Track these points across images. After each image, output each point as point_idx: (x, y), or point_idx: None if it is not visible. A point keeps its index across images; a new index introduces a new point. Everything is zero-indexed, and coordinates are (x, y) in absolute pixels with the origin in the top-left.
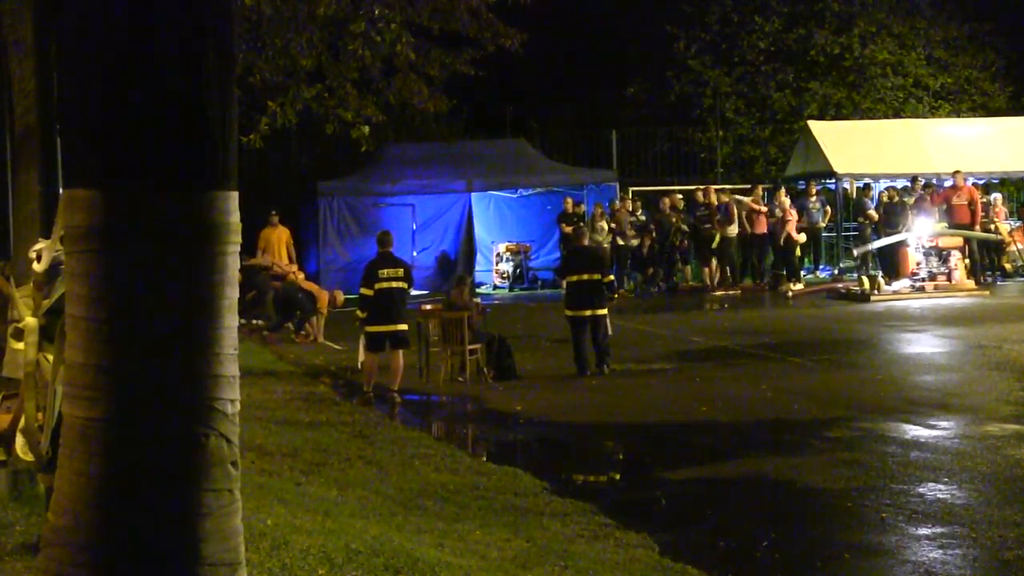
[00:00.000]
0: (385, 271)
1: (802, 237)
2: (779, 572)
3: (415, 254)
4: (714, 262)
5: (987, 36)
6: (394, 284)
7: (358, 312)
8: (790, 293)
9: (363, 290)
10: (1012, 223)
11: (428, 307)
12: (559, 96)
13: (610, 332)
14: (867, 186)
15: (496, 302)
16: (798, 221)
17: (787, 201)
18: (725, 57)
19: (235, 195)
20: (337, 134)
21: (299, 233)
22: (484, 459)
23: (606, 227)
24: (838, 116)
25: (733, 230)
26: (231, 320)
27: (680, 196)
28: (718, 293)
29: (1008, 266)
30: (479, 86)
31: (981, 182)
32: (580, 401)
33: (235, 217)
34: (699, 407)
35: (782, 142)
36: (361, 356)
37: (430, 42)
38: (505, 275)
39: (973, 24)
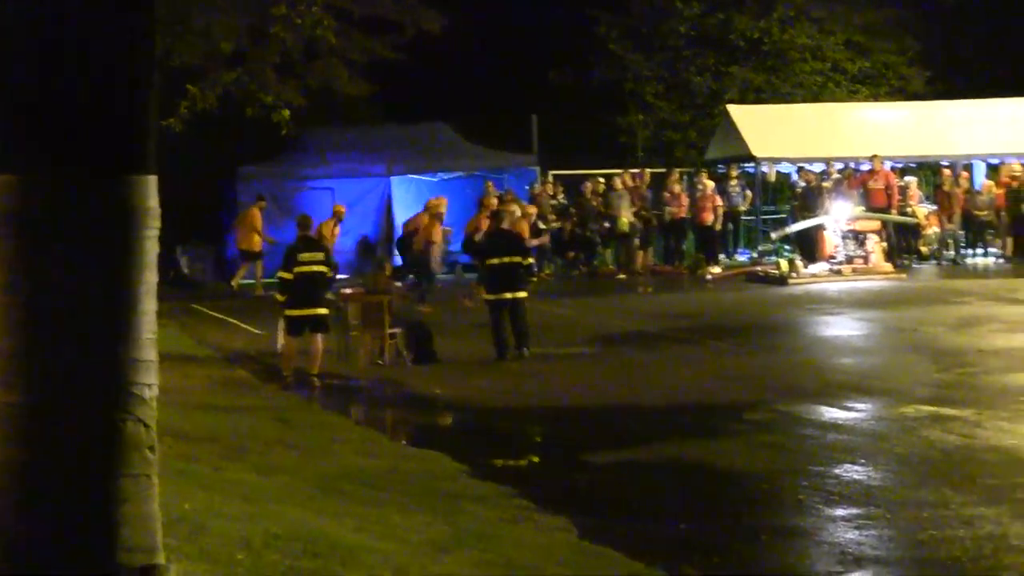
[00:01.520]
0: (305, 255)
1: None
2: (698, 554)
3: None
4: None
5: (905, 21)
6: (314, 268)
7: (277, 296)
8: (709, 277)
9: (282, 274)
10: (927, 207)
11: (348, 291)
12: (480, 80)
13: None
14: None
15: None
16: (718, 205)
17: (710, 185)
18: (646, 42)
19: (154, 180)
20: (258, 118)
21: (220, 217)
22: (404, 443)
23: (519, 212)
24: (758, 100)
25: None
26: (149, 305)
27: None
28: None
29: (924, 249)
30: (401, 70)
31: (898, 166)
32: (500, 385)
33: (154, 202)
34: (619, 390)
35: (702, 126)
36: (280, 340)
37: (351, 26)
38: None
39: (891, 9)
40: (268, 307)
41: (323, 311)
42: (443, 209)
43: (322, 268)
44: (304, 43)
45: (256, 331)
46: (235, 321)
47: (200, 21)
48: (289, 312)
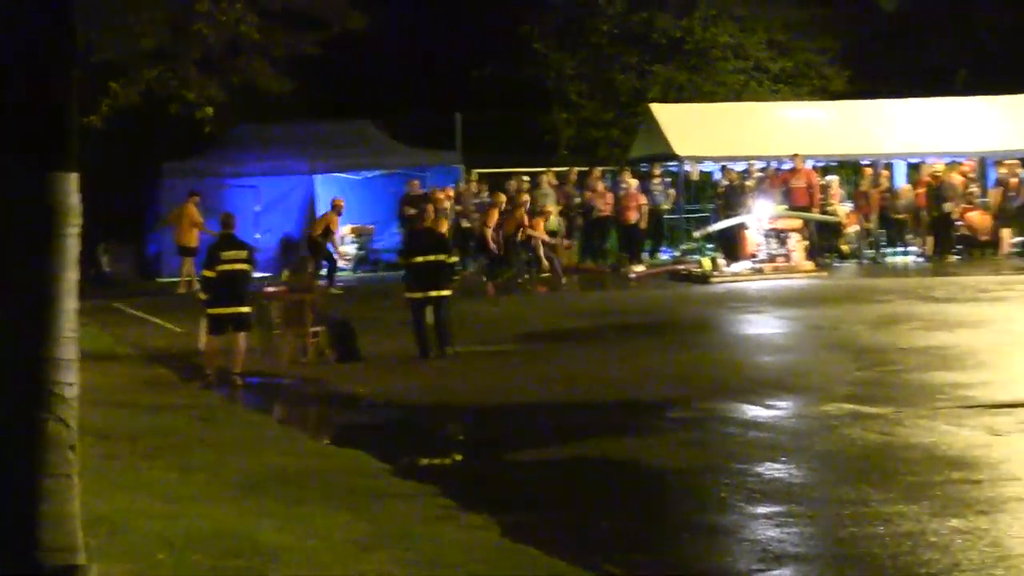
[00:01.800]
0: (227, 253)
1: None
2: (621, 552)
3: (258, 236)
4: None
5: (826, 20)
6: (236, 266)
7: (200, 294)
8: (632, 275)
9: (205, 272)
10: (848, 205)
11: (271, 289)
12: (405, 78)
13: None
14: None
15: (340, 284)
16: (641, 203)
17: (634, 183)
18: (570, 40)
19: (75, 177)
20: (181, 116)
21: (142, 215)
22: (327, 442)
23: (449, 208)
24: (680, 99)
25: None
26: (70, 303)
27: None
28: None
29: (845, 248)
30: (325, 67)
31: (820, 165)
32: (423, 383)
33: (75, 199)
34: (542, 388)
35: (626, 125)
36: (203, 338)
37: (275, 22)
38: (348, 257)
39: (812, 8)
40: (190, 306)
41: (246, 309)
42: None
43: (245, 266)
44: (227, 39)
45: (178, 330)
46: (157, 320)
47: (122, 17)
48: (211, 310)
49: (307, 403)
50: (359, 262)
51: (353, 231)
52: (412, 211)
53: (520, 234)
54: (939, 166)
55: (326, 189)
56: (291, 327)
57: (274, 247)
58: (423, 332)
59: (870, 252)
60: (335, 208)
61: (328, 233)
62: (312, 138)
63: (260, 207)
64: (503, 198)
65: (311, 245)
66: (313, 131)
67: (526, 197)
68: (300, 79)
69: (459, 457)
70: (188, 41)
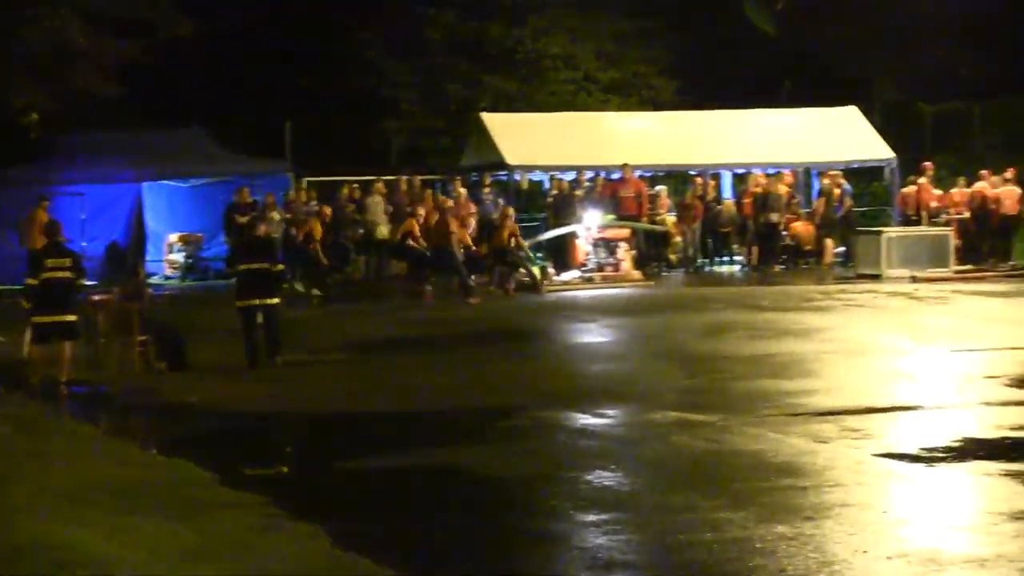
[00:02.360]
0: (51, 260)
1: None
2: (451, 560)
3: (84, 244)
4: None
5: (655, 31)
6: (60, 274)
7: (24, 303)
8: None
9: (28, 280)
10: (676, 215)
11: (98, 297)
12: (235, 86)
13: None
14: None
15: (168, 292)
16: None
17: (464, 192)
18: (401, 48)
19: None
20: (6, 122)
21: None
22: (155, 452)
23: (278, 217)
24: (511, 108)
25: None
26: None
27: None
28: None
29: (673, 257)
30: (156, 75)
31: (647, 175)
32: (253, 392)
33: None
34: (374, 397)
35: (457, 134)
36: (26, 347)
37: (103, 29)
38: (176, 265)
39: (641, 20)
40: (14, 314)
41: (72, 318)
42: None
43: (68, 274)
44: (53, 45)
45: (2, 339)
46: None
47: None
48: (36, 319)
49: (135, 412)
50: (187, 271)
51: (181, 239)
52: (242, 219)
53: (513, 242)
54: (763, 178)
55: (154, 197)
56: (119, 335)
57: (101, 255)
58: (253, 341)
59: (697, 262)
60: None
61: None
62: (140, 145)
63: (86, 215)
64: (328, 209)
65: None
66: (142, 138)
67: (511, 210)
68: (131, 86)
69: (289, 467)
70: (11, 47)
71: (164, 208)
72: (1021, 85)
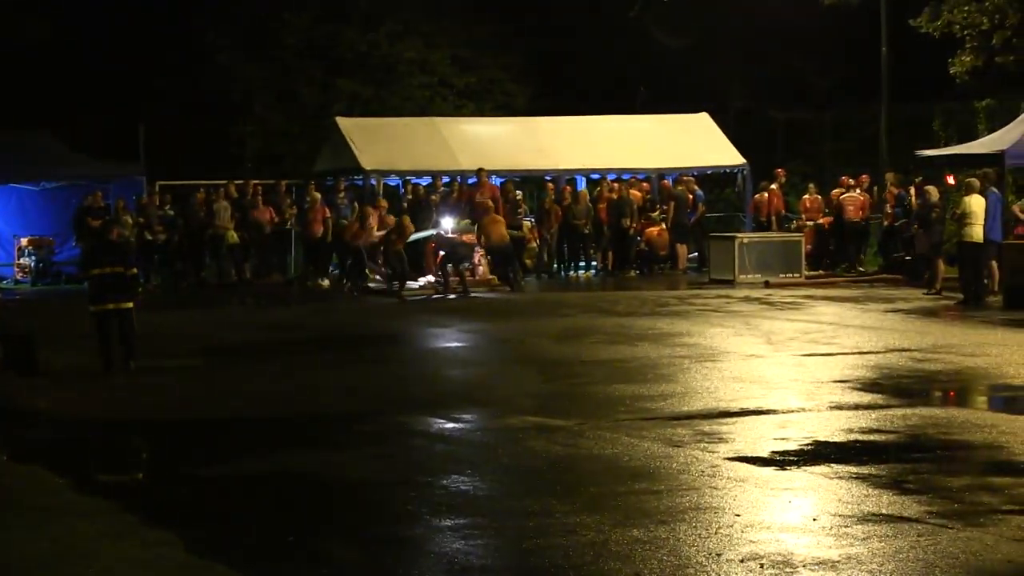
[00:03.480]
0: None
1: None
2: (304, 567)
3: None
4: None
5: (510, 37)
6: None
7: None
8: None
9: None
10: (531, 220)
11: None
12: (88, 88)
13: (136, 328)
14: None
15: (18, 297)
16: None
17: (318, 197)
18: (255, 52)
19: None
20: None
21: None
22: (4, 458)
23: (130, 221)
24: (366, 113)
25: None
26: None
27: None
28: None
29: (529, 262)
30: (4, 77)
31: (502, 181)
32: (106, 398)
33: None
34: (228, 402)
35: (312, 138)
36: None
37: None
38: (28, 269)
39: (496, 25)
40: None
41: None
42: None
43: None
44: None
45: None
46: None
47: None
48: None
49: None
50: (39, 275)
51: (31, 243)
52: (95, 222)
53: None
54: (616, 184)
55: (2, 200)
56: None
57: None
58: (106, 345)
59: (553, 267)
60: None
61: None
62: None
63: None
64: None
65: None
66: None
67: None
68: None
69: (143, 473)
70: None
71: (13, 211)
72: (868, 94)
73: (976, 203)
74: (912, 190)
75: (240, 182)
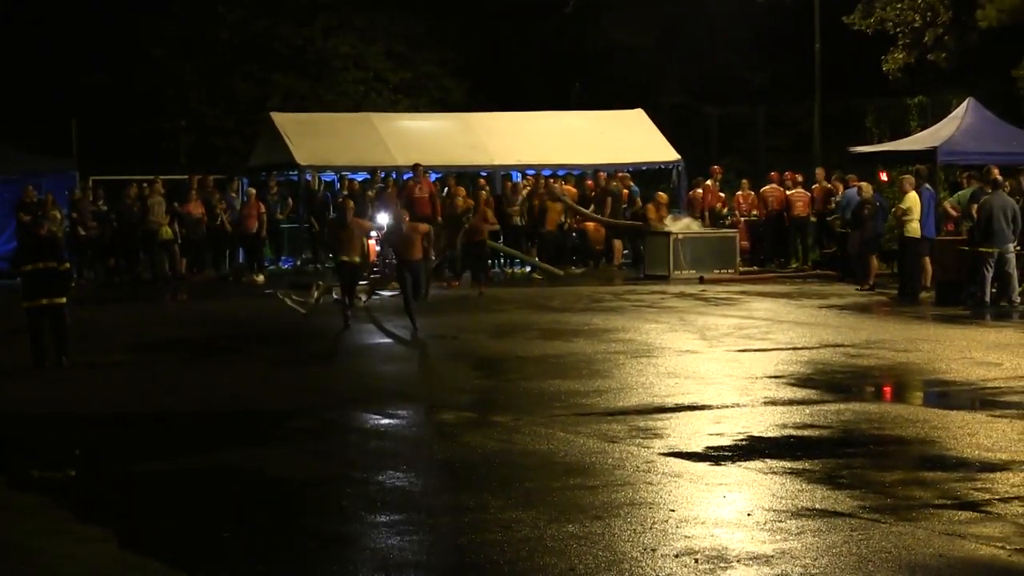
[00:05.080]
0: None
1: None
2: (242, 562)
3: None
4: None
5: (446, 33)
6: None
7: None
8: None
9: None
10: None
11: None
12: (17, 81)
13: (69, 322)
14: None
15: None
16: (262, 212)
17: (252, 192)
18: (189, 47)
19: None
20: None
21: None
22: None
23: (59, 216)
24: (301, 108)
25: None
26: None
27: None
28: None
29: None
30: None
31: (438, 177)
32: (39, 393)
33: None
34: (162, 399)
35: (247, 133)
36: None
37: None
38: None
39: (431, 20)
40: None
41: None
42: None
43: None
44: None
45: None
46: None
47: None
48: None
49: None
50: None
51: None
52: (26, 218)
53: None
54: (551, 180)
55: None
56: None
57: None
58: (40, 341)
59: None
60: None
61: None
62: None
63: None
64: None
65: None
66: None
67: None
68: None
69: (76, 469)
70: None
71: None
72: (802, 91)
73: (914, 199)
74: (840, 187)
75: (176, 177)
